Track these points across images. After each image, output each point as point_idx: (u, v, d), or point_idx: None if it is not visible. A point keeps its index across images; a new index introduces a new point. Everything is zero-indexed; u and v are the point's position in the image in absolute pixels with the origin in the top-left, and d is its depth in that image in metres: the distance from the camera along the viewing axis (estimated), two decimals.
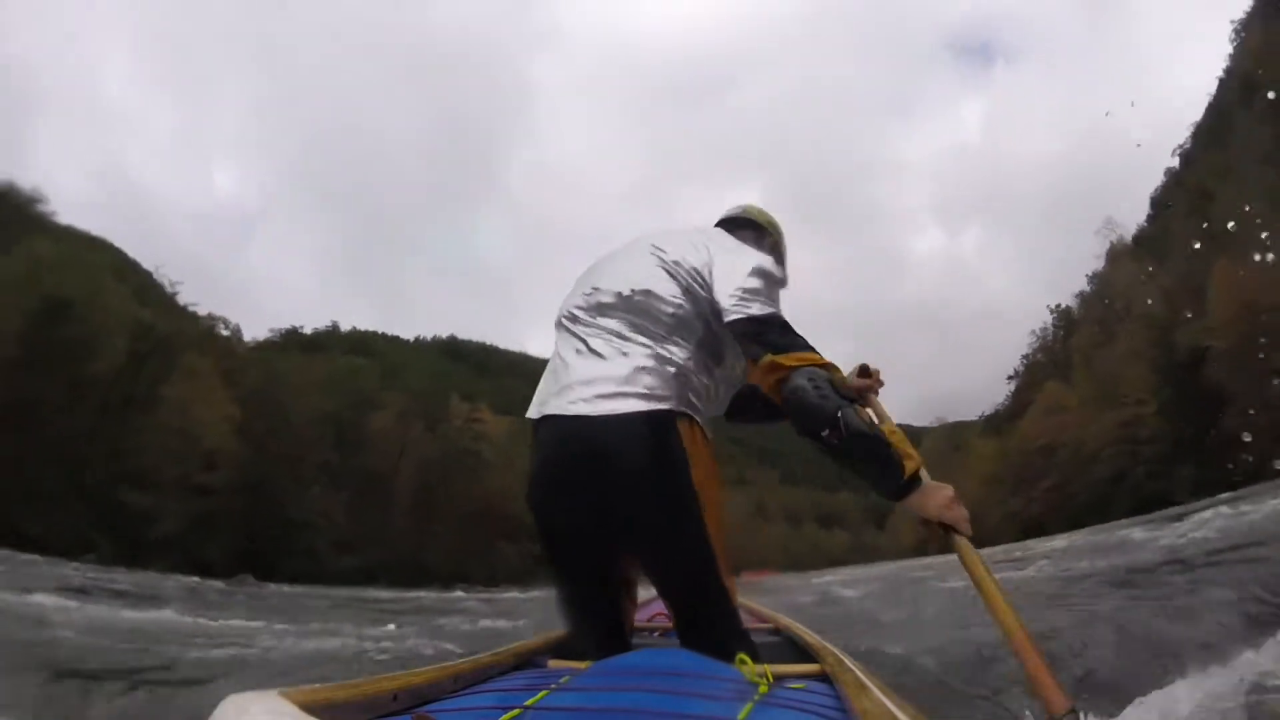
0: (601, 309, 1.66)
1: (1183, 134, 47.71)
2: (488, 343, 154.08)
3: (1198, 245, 34.50)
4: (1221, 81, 47.87)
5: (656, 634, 2.20)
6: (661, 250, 1.73)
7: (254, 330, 64.00)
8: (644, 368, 1.54)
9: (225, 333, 56.03)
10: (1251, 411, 26.91)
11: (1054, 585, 8.94)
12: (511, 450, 55.33)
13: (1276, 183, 28.33)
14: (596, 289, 1.70)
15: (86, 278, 41.83)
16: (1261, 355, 27.56)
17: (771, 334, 1.54)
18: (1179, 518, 15.81)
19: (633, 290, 1.65)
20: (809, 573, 36.59)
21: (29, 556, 24.40)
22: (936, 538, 1.45)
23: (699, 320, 1.64)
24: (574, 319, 1.69)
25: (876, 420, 1.50)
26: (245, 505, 44.25)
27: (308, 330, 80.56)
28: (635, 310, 1.63)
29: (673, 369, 1.57)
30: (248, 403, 47.78)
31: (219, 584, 27.77)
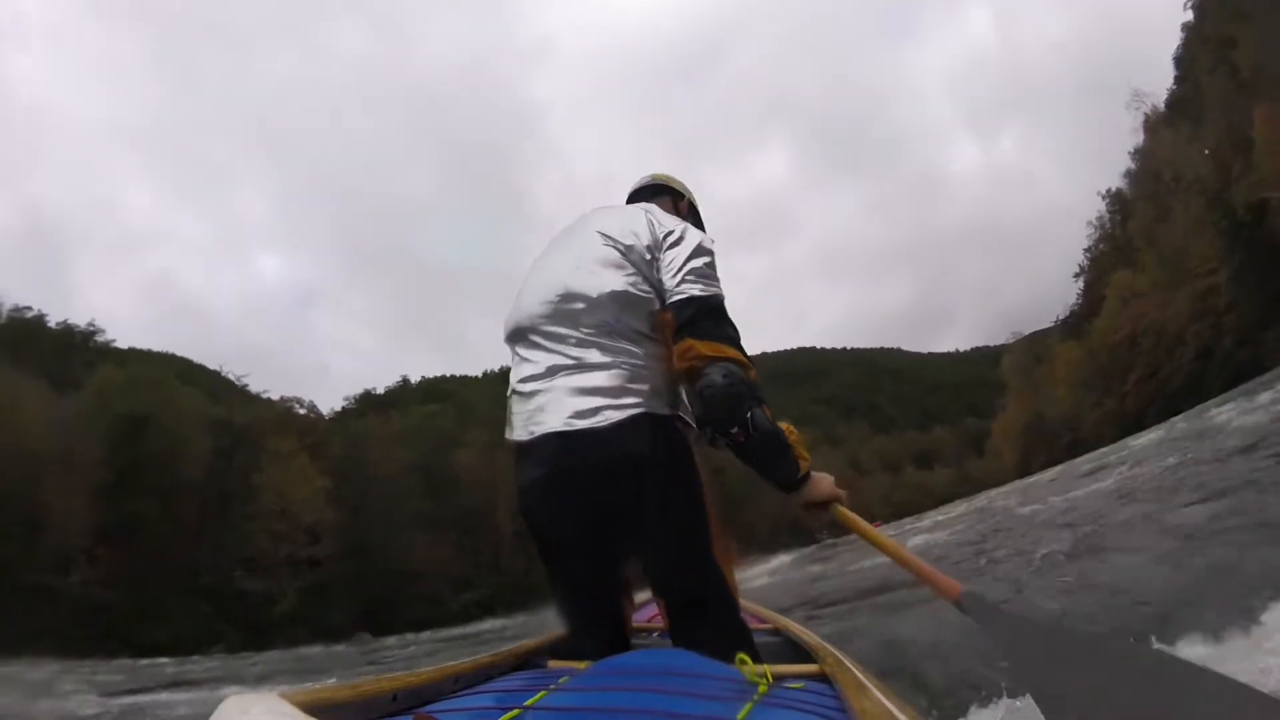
0: (570, 315, 1.58)
1: None
2: None
3: (1232, 96, 32.58)
4: None
5: (656, 634, 2.18)
6: (610, 236, 1.67)
7: (329, 401, 66.88)
8: (632, 372, 1.51)
9: (302, 411, 58.63)
10: None
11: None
12: None
13: None
14: (561, 294, 1.60)
15: (157, 391, 44.39)
16: None
17: (703, 318, 1.53)
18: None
19: (600, 291, 1.57)
20: (905, 520, 36.08)
21: (150, 661, 26.24)
22: (815, 518, 1.59)
23: (661, 305, 1.60)
24: (542, 330, 1.61)
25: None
26: (355, 567, 46.21)
27: (380, 390, 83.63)
28: (606, 311, 1.56)
29: (660, 373, 1.55)
30: (336, 471, 49.89)
31: (339, 647, 29.47)
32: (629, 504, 1.48)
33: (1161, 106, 45.31)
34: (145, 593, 36.91)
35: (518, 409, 1.59)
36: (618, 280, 1.59)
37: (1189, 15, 43.20)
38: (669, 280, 1.59)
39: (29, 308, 50.03)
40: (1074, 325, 57.40)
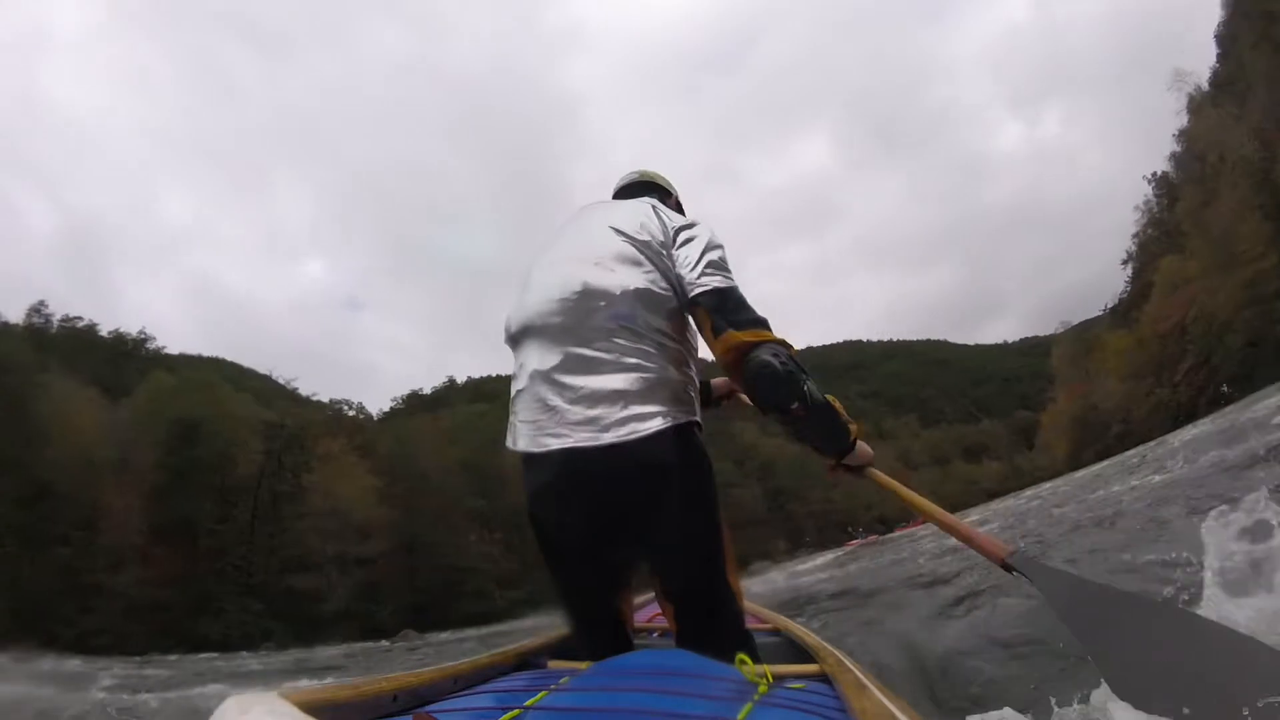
0: (588, 313, 1.51)
1: None
2: None
3: (1276, 72, 31.36)
4: None
5: (656, 634, 2.19)
6: (625, 232, 1.63)
7: (377, 402, 68.12)
8: (656, 378, 1.47)
9: (351, 412, 59.91)
10: None
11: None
12: None
13: None
14: (580, 291, 1.53)
15: (208, 396, 45.93)
16: None
17: (733, 309, 1.53)
18: None
19: (622, 288, 1.53)
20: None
21: (204, 655, 26.99)
22: (840, 473, 1.70)
23: (678, 303, 1.59)
24: (555, 328, 1.53)
25: None
26: (404, 565, 47.26)
27: (427, 390, 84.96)
28: (628, 308, 1.51)
29: (679, 374, 1.54)
30: (385, 471, 50.98)
31: (384, 643, 30.04)
32: (646, 516, 1.47)
33: (1205, 86, 43.78)
34: (198, 591, 38.33)
35: (525, 415, 1.53)
36: (639, 278, 1.55)
37: None
38: (688, 274, 1.57)
39: (79, 318, 52.18)
40: (1123, 313, 55.77)
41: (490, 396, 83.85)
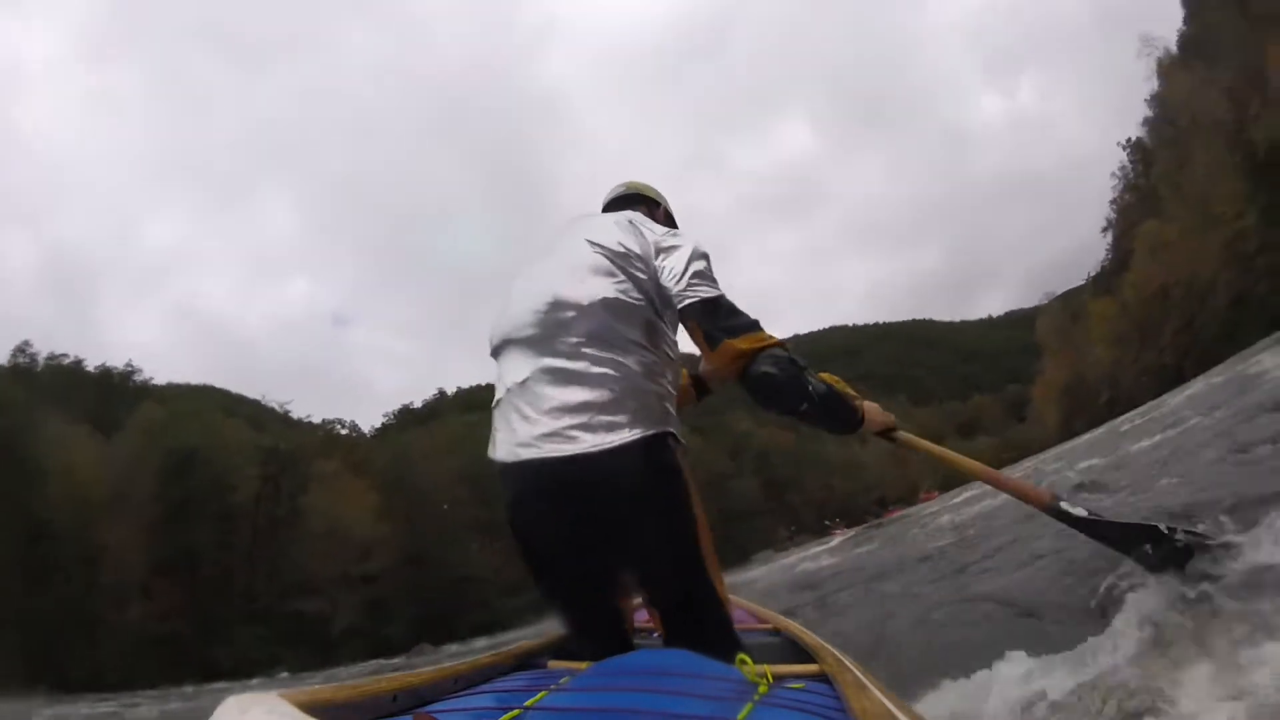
0: (560, 325, 1.53)
1: None
2: None
3: (1243, 32, 31.56)
4: None
5: (656, 634, 2.06)
6: (600, 244, 1.63)
7: (371, 416, 67.85)
8: (626, 388, 1.47)
9: (344, 431, 59.69)
10: None
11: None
12: None
13: None
14: (551, 303, 1.55)
15: (200, 424, 45.75)
16: None
17: (724, 317, 1.55)
18: None
19: (591, 299, 1.53)
20: (950, 493, 35.66)
21: (216, 685, 26.86)
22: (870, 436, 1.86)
23: (653, 313, 1.59)
24: (530, 340, 1.55)
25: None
26: (407, 579, 47.15)
27: (418, 405, 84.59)
28: (597, 319, 1.52)
29: (651, 384, 1.53)
30: (382, 487, 50.89)
31: (397, 660, 29.97)
32: (617, 527, 1.47)
33: (1173, 49, 44.07)
34: (204, 621, 38.25)
35: (502, 425, 1.55)
36: (608, 287, 1.56)
37: None
38: (673, 285, 1.58)
39: (65, 355, 51.85)
40: (1106, 280, 56.02)
41: (482, 406, 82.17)
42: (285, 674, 32.54)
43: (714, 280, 1.60)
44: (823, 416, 1.60)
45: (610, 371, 1.47)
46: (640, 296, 1.57)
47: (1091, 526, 1.91)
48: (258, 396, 61.69)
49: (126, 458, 41.17)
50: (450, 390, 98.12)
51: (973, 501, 16.13)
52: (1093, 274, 61.62)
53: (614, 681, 1.13)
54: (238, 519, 43.68)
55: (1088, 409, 49.87)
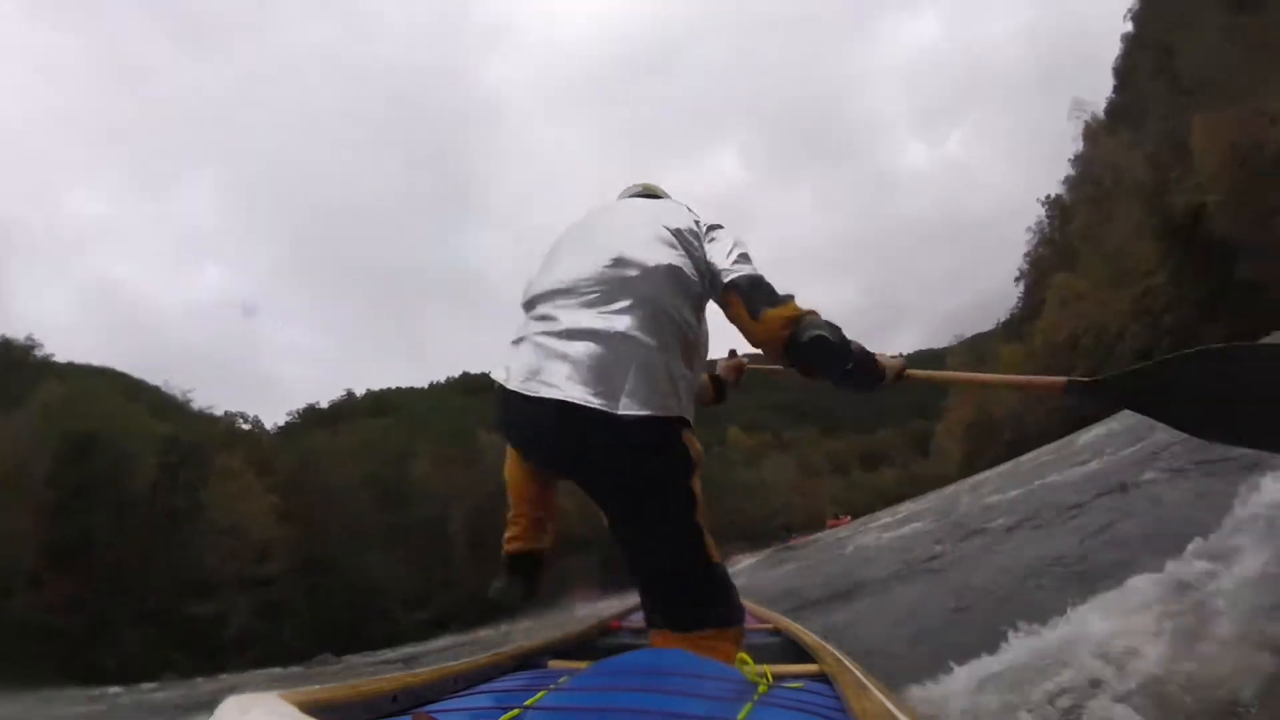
0: (620, 282, 1.56)
1: None
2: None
3: (1170, 103, 33.87)
4: None
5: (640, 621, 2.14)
6: (658, 219, 1.70)
7: (273, 416, 65.21)
8: (660, 362, 1.50)
9: (247, 426, 56.79)
10: (1262, 256, 26.61)
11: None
12: None
13: (1234, 21, 27.71)
14: (616, 259, 1.58)
15: (100, 408, 42.99)
16: (1258, 198, 26.90)
17: (766, 293, 1.59)
18: None
19: (656, 263, 1.58)
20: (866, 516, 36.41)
21: (99, 690, 24.99)
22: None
23: (701, 291, 1.65)
24: (581, 291, 1.57)
25: None
26: (308, 585, 45.08)
27: (324, 404, 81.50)
28: (657, 284, 1.56)
29: (683, 368, 1.56)
30: (285, 488, 48.70)
31: (295, 669, 28.30)
32: (619, 489, 1.55)
33: (1101, 115, 47.11)
34: (92, 617, 35.61)
35: (527, 360, 1.55)
36: (673, 256, 1.61)
37: (1129, 26, 45.03)
38: (723, 261, 1.64)
39: None
40: (1016, 327, 59.08)
41: (390, 410, 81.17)
42: (174, 677, 30.29)
43: (753, 263, 1.68)
44: (861, 376, 1.64)
45: (655, 343, 1.50)
46: (695, 274, 1.63)
47: (1108, 390, 1.81)
48: (159, 383, 58.06)
49: (22, 436, 38.16)
50: (359, 392, 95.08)
51: (892, 527, 16.45)
52: (1003, 320, 64.92)
53: (614, 681, 1.14)
54: (134, 509, 40.79)
55: (991, 447, 52.19)
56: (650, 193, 2.12)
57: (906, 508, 24.94)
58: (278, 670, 27.92)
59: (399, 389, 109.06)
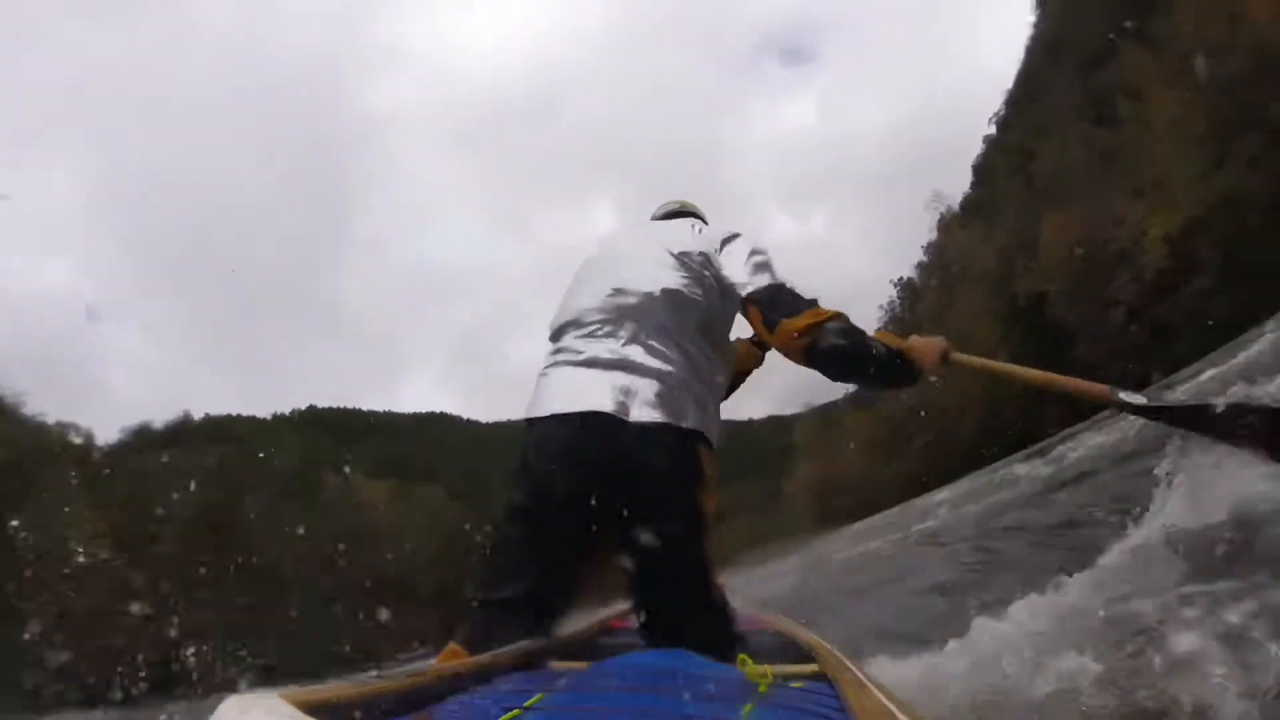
0: (621, 310, 1.62)
1: (997, 102, 52.03)
2: (349, 406, 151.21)
3: (1024, 201, 37.55)
4: (1029, 48, 51.13)
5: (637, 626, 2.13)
6: (664, 242, 1.75)
7: (105, 428, 58.55)
8: (674, 381, 1.55)
9: (79, 440, 50.30)
10: (1095, 341, 29.59)
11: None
12: (394, 513, 55.75)
13: (1090, 132, 31.37)
14: (615, 289, 1.65)
15: None
16: (1098, 288, 29.94)
17: (787, 301, 1.63)
18: (1042, 453, 16.88)
19: (654, 288, 1.63)
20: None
21: None
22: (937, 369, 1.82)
23: (711, 309, 1.69)
24: (589, 323, 1.64)
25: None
26: (132, 625, 39.89)
27: (158, 425, 73.84)
28: (657, 307, 1.61)
29: (697, 383, 1.60)
30: (113, 514, 44.24)
31: (115, 714, 24.73)
32: (633, 501, 1.50)
33: (957, 207, 51.87)
34: None
35: (549, 388, 1.62)
36: (671, 279, 1.66)
37: (993, 130, 50.19)
38: (740, 275, 1.69)
39: None
40: (862, 397, 62.59)
41: (228, 438, 75.00)
42: None
43: (774, 270, 1.72)
44: (888, 378, 1.71)
45: (662, 365, 1.57)
46: (700, 292, 1.68)
47: (1165, 413, 1.90)
48: None
49: None
50: (197, 415, 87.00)
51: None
52: (850, 392, 68.64)
53: (614, 682, 1.16)
54: None
55: (837, 506, 54.73)
56: (684, 210, 2.16)
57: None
58: (97, 714, 24.31)
59: (239, 416, 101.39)
